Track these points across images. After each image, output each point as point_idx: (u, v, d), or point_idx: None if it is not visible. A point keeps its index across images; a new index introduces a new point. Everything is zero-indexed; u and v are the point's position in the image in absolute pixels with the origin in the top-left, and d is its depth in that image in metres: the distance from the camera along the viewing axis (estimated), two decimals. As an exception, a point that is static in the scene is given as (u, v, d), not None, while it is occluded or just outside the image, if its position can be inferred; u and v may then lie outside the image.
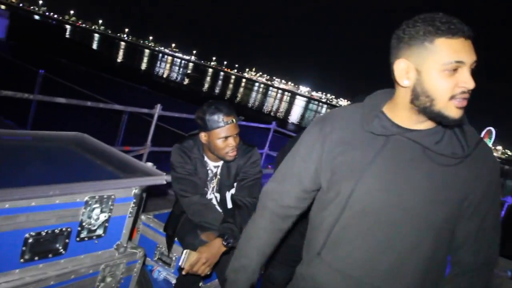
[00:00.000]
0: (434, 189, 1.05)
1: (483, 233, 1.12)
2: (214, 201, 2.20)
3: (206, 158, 2.14)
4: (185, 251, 1.90)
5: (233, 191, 2.17)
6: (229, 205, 2.18)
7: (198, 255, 1.83)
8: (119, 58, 60.38)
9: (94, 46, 76.09)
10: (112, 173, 1.75)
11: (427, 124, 1.09)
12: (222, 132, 1.98)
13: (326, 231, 1.15)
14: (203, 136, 2.05)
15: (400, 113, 1.10)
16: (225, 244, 1.87)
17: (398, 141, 1.08)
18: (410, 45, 1.02)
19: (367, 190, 1.08)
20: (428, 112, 1.04)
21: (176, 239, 2.24)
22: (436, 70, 1.00)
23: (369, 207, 1.08)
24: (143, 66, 61.25)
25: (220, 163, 2.15)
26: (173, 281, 2.36)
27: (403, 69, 1.05)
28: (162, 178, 1.83)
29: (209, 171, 2.15)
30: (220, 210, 2.15)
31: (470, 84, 0.99)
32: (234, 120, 2.01)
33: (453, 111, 1.01)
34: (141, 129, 6.34)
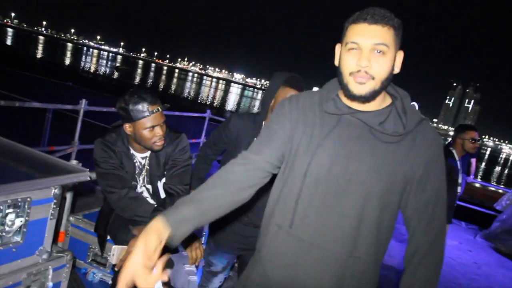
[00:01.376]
0: (376, 163, 1.18)
1: (432, 207, 1.23)
2: (146, 193, 2.12)
3: (132, 150, 2.04)
4: (113, 247, 1.82)
5: (164, 180, 2.10)
6: (162, 195, 2.11)
7: (128, 248, 1.75)
8: (39, 54, 56.14)
9: (8, 41, 69.97)
10: (27, 173, 1.60)
11: (374, 106, 1.22)
12: (148, 122, 1.89)
13: (291, 204, 1.24)
14: (127, 127, 1.94)
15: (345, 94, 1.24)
16: None
17: (348, 121, 1.23)
18: (342, 31, 1.22)
19: (320, 163, 1.21)
20: (343, 87, 1.21)
21: (108, 237, 2.13)
22: (343, 49, 1.19)
23: (321, 178, 1.20)
24: (67, 61, 57.48)
25: (148, 153, 2.06)
26: (110, 282, 2.25)
27: (337, 50, 1.24)
28: (85, 175, 1.71)
29: (137, 164, 2.06)
30: (153, 202, 2.07)
31: (361, 62, 1.14)
32: (159, 108, 1.92)
33: (353, 86, 1.17)
34: (68, 127, 5.96)
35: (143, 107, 1.87)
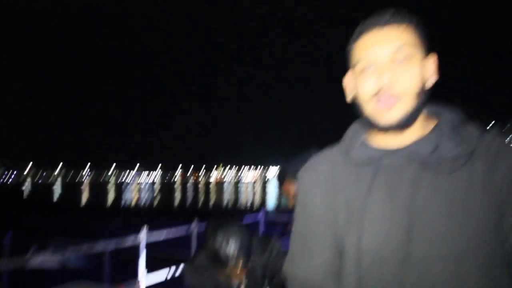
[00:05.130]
0: (449, 203, 0.83)
1: None
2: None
3: None
4: None
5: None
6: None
7: None
8: (85, 198, 59.39)
9: (57, 192, 74.91)
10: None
11: (416, 134, 0.92)
12: (224, 269, 1.88)
13: None
14: None
15: (374, 134, 0.97)
16: None
17: (389, 165, 0.91)
18: (346, 56, 0.99)
19: (374, 233, 0.88)
20: (368, 121, 0.94)
21: None
22: (353, 75, 0.95)
23: (384, 255, 0.87)
24: (111, 198, 60.31)
25: None
26: None
27: (347, 82, 1.00)
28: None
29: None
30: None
31: (381, 79, 0.87)
32: (241, 261, 1.89)
33: (379, 114, 0.89)
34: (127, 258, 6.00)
35: (225, 257, 1.86)
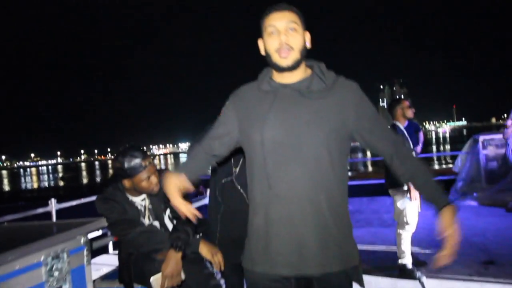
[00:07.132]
0: (314, 116, 1.46)
1: (380, 124, 1.55)
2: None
3: (130, 198, 2.26)
4: (151, 279, 1.99)
5: (168, 212, 2.32)
6: (170, 227, 2.31)
7: (162, 274, 1.95)
8: (-26, 189, 53.24)
9: None
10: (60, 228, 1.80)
11: (299, 76, 1.52)
12: (144, 175, 2.15)
13: (263, 171, 1.48)
14: (126, 182, 2.19)
15: (276, 74, 1.55)
16: (177, 250, 2.03)
17: (283, 93, 1.51)
18: (259, 28, 1.56)
19: (271, 130, 1.46)
20: (273, 65, 1.51)
21: (135, 284, 2.27)
22: (265, 36, 1.51)
23: (277, 142, 1.46)
24: (6, 188, 54.89)
25: (144, 194, 2.29)
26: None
27: (260, 44, 1.57)
28: (103, 221, 1.92)
29: (139, 206, 2.27)
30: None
31: (281, 38, 1.46)
32: (151, 161, 2.18)
33: (279, 60, 1.48)
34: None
35: (136, 164, 2.13)
